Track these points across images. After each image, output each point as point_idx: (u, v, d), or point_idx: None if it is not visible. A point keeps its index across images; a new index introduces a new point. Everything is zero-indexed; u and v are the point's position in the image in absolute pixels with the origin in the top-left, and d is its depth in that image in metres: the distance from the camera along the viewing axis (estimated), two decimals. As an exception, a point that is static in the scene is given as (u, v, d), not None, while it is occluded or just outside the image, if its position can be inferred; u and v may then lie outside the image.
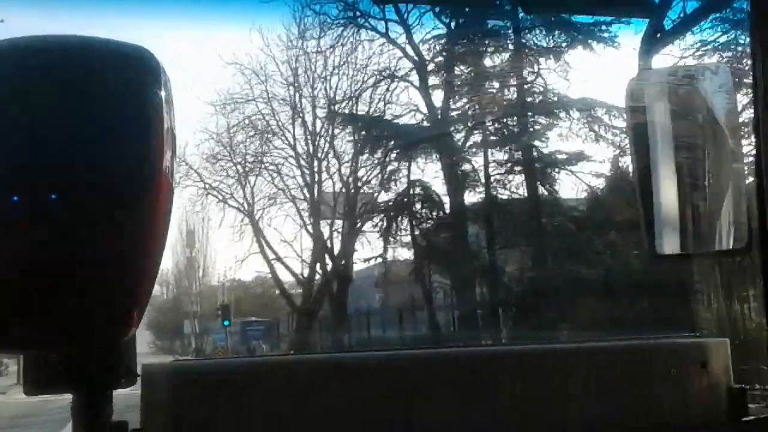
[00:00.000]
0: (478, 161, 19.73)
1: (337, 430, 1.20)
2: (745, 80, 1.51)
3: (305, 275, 26.81)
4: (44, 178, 0.79)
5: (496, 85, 19.64)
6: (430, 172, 25.48)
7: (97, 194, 0.80)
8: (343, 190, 23.08)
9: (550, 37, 18.76)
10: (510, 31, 18.72)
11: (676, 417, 1.32)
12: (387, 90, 21.56)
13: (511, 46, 19.02)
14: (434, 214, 20.93)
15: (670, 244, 1.59)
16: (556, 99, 18.80)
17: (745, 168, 1.49)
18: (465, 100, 20.15)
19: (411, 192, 20.86)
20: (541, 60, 18.82)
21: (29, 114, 0.79)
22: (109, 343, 0.90)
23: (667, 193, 1.55)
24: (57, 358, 0.91)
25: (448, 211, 20.44)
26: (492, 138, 19.47)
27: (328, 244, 23.89)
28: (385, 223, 21.28)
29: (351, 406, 1.21)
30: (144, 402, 1.14)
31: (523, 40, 18.89)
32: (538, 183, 19.04)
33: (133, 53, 0.84)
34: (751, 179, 1.46)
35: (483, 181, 19.41)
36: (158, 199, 0.82)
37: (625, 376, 1.34)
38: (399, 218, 21.11)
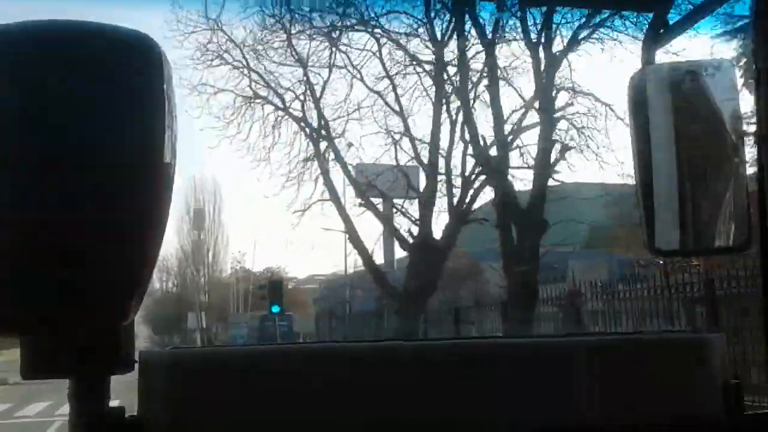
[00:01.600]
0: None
1: (334, 419, 1.20)
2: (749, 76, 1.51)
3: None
4: (43, 163, 0.79)
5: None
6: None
7: (96, 179, 0.80)
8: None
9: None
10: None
11: (672, 412, 1.33)
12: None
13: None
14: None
15: (670, 239, 1.59)
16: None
17: (747, 164, 1.49)
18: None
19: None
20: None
21: (27, 99, 0.79)
22: (107, 329, 0.91)
23: (668, 189, 1.55)
24: (54, 342, 0.92)
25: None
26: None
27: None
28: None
29: (347, 395, 1.21)
30: (141, 389, 1.14)
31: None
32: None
33: (133, 38, 0.84)
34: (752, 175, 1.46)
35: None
36: (159, 184, 0.82)
37: (620, 371, 1.34)
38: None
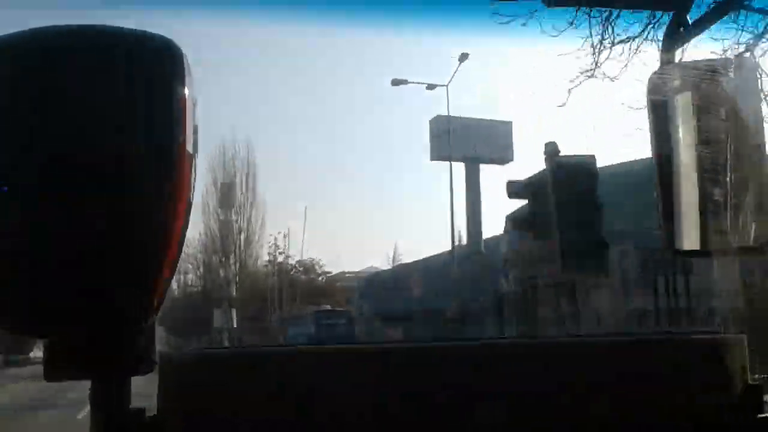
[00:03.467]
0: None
1: (352, 420, 1.21)
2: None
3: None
4: (69, 165, 0.80)
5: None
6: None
7: (119, 182, 0.81)
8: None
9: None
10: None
11: (692, 413, 1.32)
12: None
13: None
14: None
15: (690, 239, 1.58)
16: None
17: None
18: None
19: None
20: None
21: (54, 103, 0.80)
22: (128, 330, 0.91)
23: (689, 189, 1.54)
24: (76, 344, 0.92)
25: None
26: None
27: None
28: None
29: (358, 396, 1.21)
30: (161, 389, 1.15)
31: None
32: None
33: (158, 43, 0.84)
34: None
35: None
36: (180, 187, 0.83)
37: (639, 371, 1.33)
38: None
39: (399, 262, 45.62)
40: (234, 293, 44.20)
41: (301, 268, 45.45)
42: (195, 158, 0.86)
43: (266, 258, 46.09)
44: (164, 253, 0.84)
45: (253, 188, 45.15)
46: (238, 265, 45.21)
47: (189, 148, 0.84)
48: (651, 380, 1.32)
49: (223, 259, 45.05)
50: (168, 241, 0.83)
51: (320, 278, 45.34)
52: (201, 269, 48.38)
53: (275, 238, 44.46)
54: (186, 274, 49.05)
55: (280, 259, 45.24)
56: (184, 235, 0.87)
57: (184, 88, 0.83)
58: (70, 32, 0.83)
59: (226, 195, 43.76)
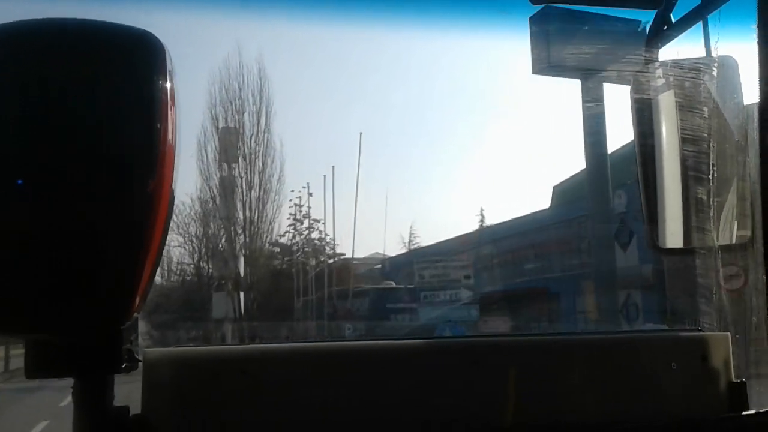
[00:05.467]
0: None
1: (340, 416, 1.20)
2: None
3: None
4: (47, 162, 0.79)
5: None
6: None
7: (99, 179, 0.80)
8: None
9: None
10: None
11: (676, 410, 1.33)
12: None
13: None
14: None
15: (673, 237, 1.59)
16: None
17: (750, 161, 1.49)
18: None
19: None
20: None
21: (32, 97, 0.79)
22: (110, 328, 0.91)
23: (671, 186, 1.55)
24: (59, 341, 0.92)
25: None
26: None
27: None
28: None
29: (353, 393, 1.21)
30: (145, 387, 1.14)
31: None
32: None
33: (138, 36, 0.84)
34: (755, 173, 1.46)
35: None
36: (161, 183, 0.82)
37: (626, 368, 1.34)
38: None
39: (416, 245, 39.49)
40: (241, 272, 31.38)
41: (308, 249, 35.65)
42: (176, 154, 0.85)
43: (287, 222, 35.67)
44: (146, 251, 0.83)
45: (266, 129, 32.11)
46: (246, 234, 31.81)
47: (170, 143, 0.83)
48: (636, 377, 1.33)
49: (224, 230, 32.07)
50: (150, 239, 0.83)
51: (331, 261, 34.76)
52: (194, 242, 34.86)
53: (299, 197, 35.19)
54: (173, 247, 34.52)
55: (305, 226, 35.33)
56: (166, 232, 0.87)
57: (165, 82, 0.83)
58: (45, 25, 0.82)
59: (227, 143, 31.00)
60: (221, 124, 31.61)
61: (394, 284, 29.76)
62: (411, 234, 43.98)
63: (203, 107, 31.32)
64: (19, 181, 0.78)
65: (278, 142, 35.36)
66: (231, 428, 1.17)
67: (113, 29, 0.84)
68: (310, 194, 35.65)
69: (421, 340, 1.35)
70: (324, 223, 35.69)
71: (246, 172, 31.81)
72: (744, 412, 1.34)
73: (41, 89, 0.80)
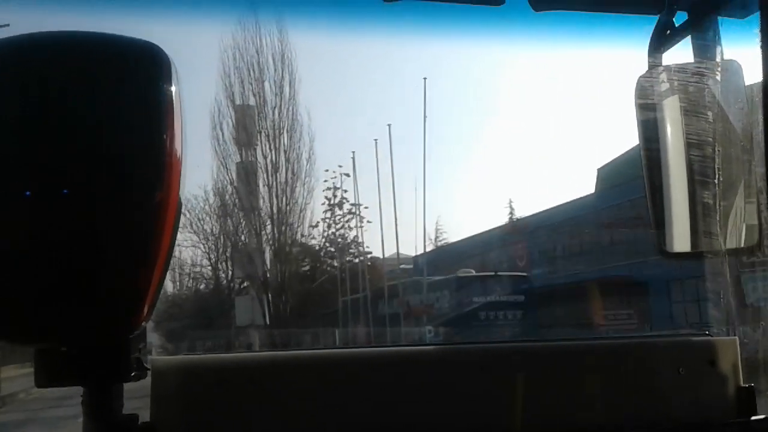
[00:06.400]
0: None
1: (347, 425, 1.20)
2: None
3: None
4: (56, 173, 0.80)
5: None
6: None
7: (107, 188, 0.81)
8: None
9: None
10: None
11: (684, 415, 1.32)
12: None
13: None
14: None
15: (680, 242, 1.58)
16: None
17: (756, 165, 1.48)
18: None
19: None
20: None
21: (39, 109, 0.80)
22: (119, 336, 0.91)
23: (678, 191, 1.55)
24: (67, 351, 0.92)
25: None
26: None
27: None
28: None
29: (360, 401, 1.21)
30: (153, 395, 1.15)
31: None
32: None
33: (143, 49, 0.85)
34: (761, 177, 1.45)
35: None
36: (168, 192, 0.83)
37: (634, 373, 1.34)
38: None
39: (444, 242, 35.62)
40: (267, 271, 25.92)
41: (331, 248, 29.30)
42: (183, 163, 0.86)
43: (321, 209, 28.54)
44: (153, 261, 0.84)
45: (291, 100, 26.13)
46: (273, 225, 25.92)
47: (177, 153, 0.84)
48: (644, 381, 1.33)
49: (246, 219, 26.09)
50: (157, 248, 0.83)
51: (356, 260, 29.10)
52: (210, 241, 29.35)
53: (334, 177, 28.40)
54: (185, 248, 28.88)
55: (342, 212, 28.12)
56: (174, 241, 0.87)
57: (170, 93, 0.83)
58: (50, 39, 0.83)
59: (246, 119, 25.04)
60: (237, 98, 26.08)
61: (473, 272, 23.79)
62: (437, 230, 38.95)
63: (215, 77, 25.85)
64: (27, 193, 0.79)
65: (305, 115, 29.73)
66: None
67: (118, 42, 0.85)
68: (347, 175, 28.89)
69: (429, 347, 1.36)
70: (364, 209, 28.50)
71: (270, 152, 25.78)
72: (753, 417, 1.33)
73: (47, 100, 0.80)
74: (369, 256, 29.29)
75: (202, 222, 28.83)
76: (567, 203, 26.53)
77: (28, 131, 0.80)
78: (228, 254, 28.81)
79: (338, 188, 29.10)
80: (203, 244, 29.64)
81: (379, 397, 1.22)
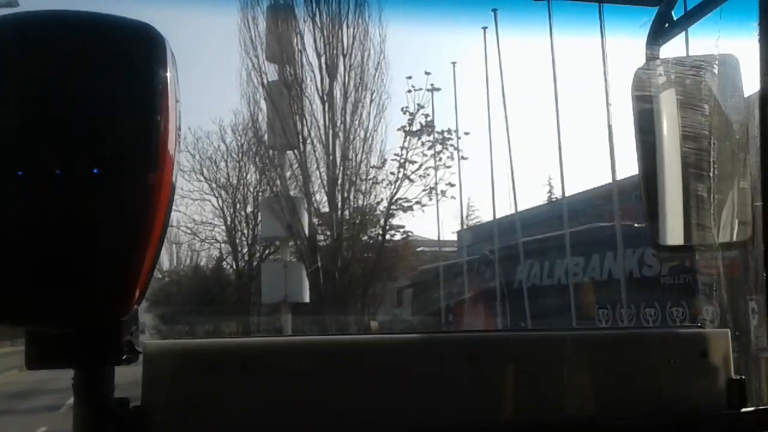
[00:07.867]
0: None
1: (340, 411, 1.21)
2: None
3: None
4: (46, 153, 0.79)
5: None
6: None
7: (100, 170, 0.80)
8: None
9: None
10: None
11: (675, 407, 1.33)
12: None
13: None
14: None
15: (673, 234, 1.59)
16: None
17: (751, 159, 1.49)
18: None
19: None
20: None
21: (32, 89, 0.80)
22: (111, 319, 0.91)
23: (672, 184, 1.55)
24: (59, 333, 0.92)
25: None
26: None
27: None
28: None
29: (350, 386, 1.22)
30: (145, 380, 1.15)
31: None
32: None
33: (139, 30, 0.84)
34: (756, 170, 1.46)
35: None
36: (161, 174, 0.83)
37: (626, 364, 1.34)
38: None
39: (477, 220, 27.76)
40: (305, 229, 18.28)
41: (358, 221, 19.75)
42: (177, 146, 0.85)
43: (397, 136, 19.90)
44: (146, 243, 0.83)
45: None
46: (326, 161, 18.46)
47: (171, 136, 0.83)
48: (636, 373, 1.33)
49: (279, 154, 18.46)
50: (149, 231, 0.83)
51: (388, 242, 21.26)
52: (224, 193, 22.56)
53: (416, 90, 19.30)
54: (190, 200, 22.50)
55: (430, 139, 18.89)
56: (167, 224, 0.87)
57: (165, 74, 0.83)
58: (45, 17, 0.82)
59: (277, 104, 17.95)
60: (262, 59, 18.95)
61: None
62: (469, 209, 31.28)
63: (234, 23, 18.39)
64: (19, 173, 0.78)
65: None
66: (230, 420, 1.17)
67: (114, 22, 0.84)
68: (437, 89, 20.19)
69: (418, 335, 1.36)
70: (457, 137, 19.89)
71: (320, 56, 17.42)
72: (743, 409, 1.34)
73: (41, 80, 0.80)
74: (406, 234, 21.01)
75: (216, 171, 21.53)
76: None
77: (20, 111, 0.79)
78: (248, 210, 21.47)
79: (423, 106, 20.11)
80: (216, 196, 22.44)
81: (370, 381, 1.22)
